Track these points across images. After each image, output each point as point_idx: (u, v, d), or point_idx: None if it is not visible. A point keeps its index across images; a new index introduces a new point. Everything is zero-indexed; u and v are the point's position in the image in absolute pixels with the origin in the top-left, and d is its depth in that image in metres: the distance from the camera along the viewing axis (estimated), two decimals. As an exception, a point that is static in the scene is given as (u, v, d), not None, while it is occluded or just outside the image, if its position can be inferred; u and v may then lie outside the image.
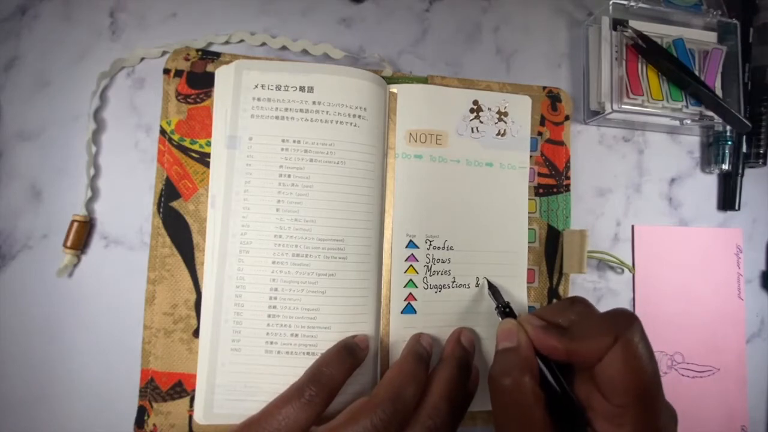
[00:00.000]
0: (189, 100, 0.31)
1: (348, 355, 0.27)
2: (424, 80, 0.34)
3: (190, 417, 0.29)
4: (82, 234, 0.30)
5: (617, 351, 0.22)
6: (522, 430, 0.22)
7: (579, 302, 0.26)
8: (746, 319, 0.38)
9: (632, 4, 0.36)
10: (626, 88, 0.35)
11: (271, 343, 0.28)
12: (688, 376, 0.37)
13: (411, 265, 0.31)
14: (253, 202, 0.29)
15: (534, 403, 0.22)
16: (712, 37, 0.38)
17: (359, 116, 0.31)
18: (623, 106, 0.35)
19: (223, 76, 0.30)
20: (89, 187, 0.30)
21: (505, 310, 0.29)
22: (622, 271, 0.37)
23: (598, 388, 0.23)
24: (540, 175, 0.35)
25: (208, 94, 0.31)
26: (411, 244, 0.31)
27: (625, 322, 0.23)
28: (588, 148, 0.37)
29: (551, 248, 0.34)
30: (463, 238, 0.32)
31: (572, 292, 0.35)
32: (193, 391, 0.29)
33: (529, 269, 0.33)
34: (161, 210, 0.30)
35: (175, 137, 0.30)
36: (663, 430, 0.22)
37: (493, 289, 0.31)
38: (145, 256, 0.30)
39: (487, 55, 0.37)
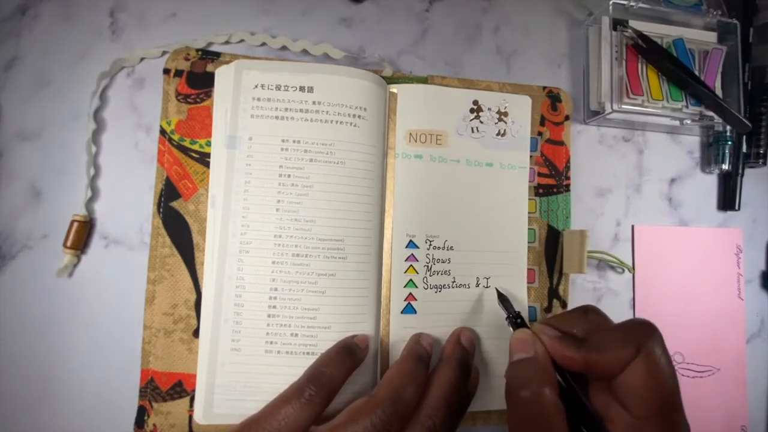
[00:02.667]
0: (189, 100, 0.31)
1: (348, 355, 0.27)
2: (424, 80, 0.34)
3: (190, 417, 0.29)
4: (82, 234, 0.30)
5: (640, 362, 0.22)
6: None
7: (592, 311, 0.26)
8: (746, 319, 0.38)
9: (632, 4, 0.36)
10: (626, 88, 0.35)
11: (271, 343, 0.28)
12: (688, 376, 0.37)
13: (411, 265, 0.31)
14: (253, 202, 0.29)
15: (555, 415, 0.21)
16: (712, 37, 0.38)
17: (359, 116, 0.31)
18: (623, 106, 0.35)
19: (223, 76, 0.30)
20: (89, 187, 0.30)
21: (516, 320, 0.28)
22: (622, 271, 0.37)
23: (618, 399, 0.22)
24: (540, 175, 0.35)
25: (208, 94, 0.31)
26: (411, 244, 0.31)
27: (646, 332, 0.23)
28: (588, 148, 0.37)
29: (551, 248, 0.34)
30: (463, 238, 0.32)
31: (572, 292, 0.35)
32: (193, 391, 0.29)
33: (529, 269, 0.33)
34: (161, 210, 0.30)
35: (175, 137, 0.30)
36: None
37: (503, 299, 0.30)
38: (145, 256, 0.30)
39: (487, 55, 0.37)
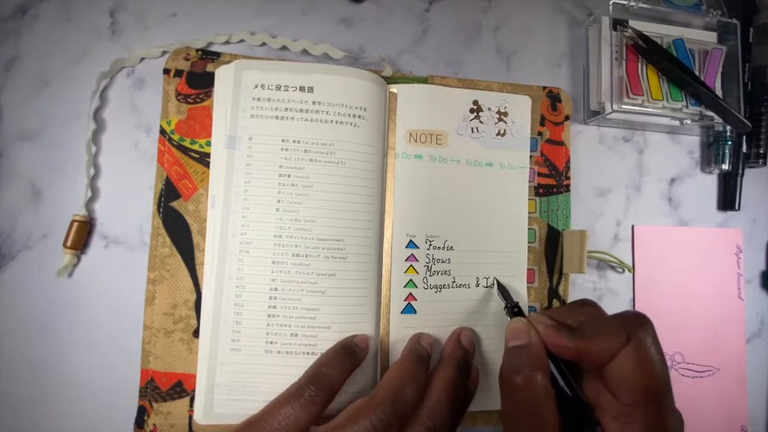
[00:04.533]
0: (189, 100, 0.31)
1: (348, 355, 0.27)
2: (424, 80, 0.34)
3: (190, 417, 0.29)
4: (82, 234, 0.30)
5: (630, 351, 0.22)
6: (533, 428, 0.22)
7: (588, 304, 0.26)
8: (746, 319, 0.38)
9: (632, 4, 0.36)
10: (626, 88, 0.35)
11: (271, 342, 0.28)
12: (688, 376, 0.37)
13: (411, 265, 0.31)
14: (253, 202, 0.29)
15: (546, 400, 0.22)
16: (712, 37, 0.38)
17: (359, 116, 0.31)
18: (623, 106, 0.35)
19: (223, 75, 0.30)
20: (89, 187, 0.30)
21: (514, 309, 0.29)
22: (623, 271, 0.37)
23: (608, 387, 0.23)
24: (540, 175, 0.35)
25: (208, 94, 0.31)
26: (411, 244, 0.31)
27: (637, 322, 0.23)
28: (588, 148, 0.37)
29: (551, 248, 0.34)
30: (463, 238, 0.32)
31: (572, 292, 0.35)
32: (193, 391, 0.29)
33: (529, 269, 0.33)
34: (161, 210, 0.30)
35: (175, 137, 0.30)
36: (672, 429, 0.22)
37: (502, 289, 0.31)
38: (145, 256, 0.30)
39: (487, 55, 0.37)
